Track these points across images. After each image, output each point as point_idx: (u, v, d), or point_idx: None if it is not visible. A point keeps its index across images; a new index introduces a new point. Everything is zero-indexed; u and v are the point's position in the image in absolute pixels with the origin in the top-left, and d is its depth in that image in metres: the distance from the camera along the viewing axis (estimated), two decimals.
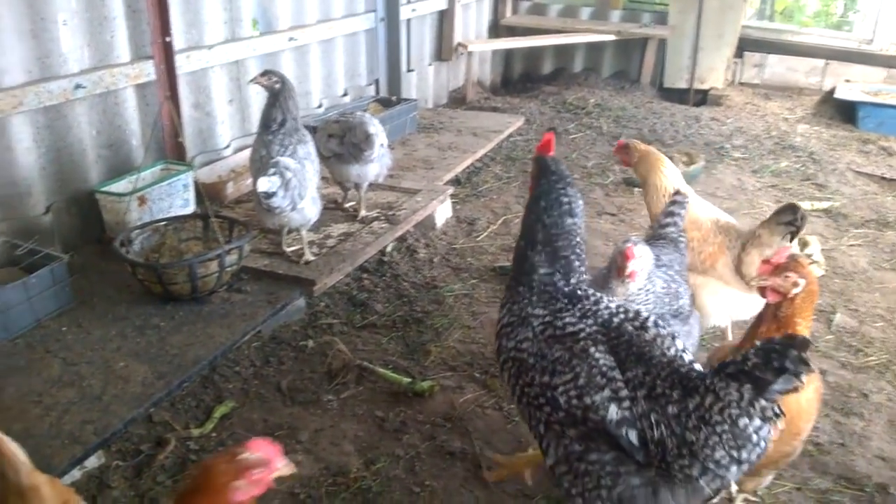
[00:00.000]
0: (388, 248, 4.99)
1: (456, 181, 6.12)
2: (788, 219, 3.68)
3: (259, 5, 5.55)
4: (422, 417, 3.57)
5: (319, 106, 6.39)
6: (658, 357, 2.40)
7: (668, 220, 3.67)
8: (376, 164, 4.79)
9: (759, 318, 2.68)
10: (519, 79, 9.98)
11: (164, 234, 4.17)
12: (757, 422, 2.18)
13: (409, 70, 7.75)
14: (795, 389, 2.13)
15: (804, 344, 2.11)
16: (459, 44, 8.38)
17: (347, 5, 6.63)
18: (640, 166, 4.24)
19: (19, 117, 4.07)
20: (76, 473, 2.96)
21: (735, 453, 2.21)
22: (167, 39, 4.59)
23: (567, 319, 2.55)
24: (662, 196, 4.09)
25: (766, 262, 2.65)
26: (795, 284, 2.59)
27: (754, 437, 2.19)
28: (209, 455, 3.25)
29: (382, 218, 4.88)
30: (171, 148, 4.91)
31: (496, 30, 9.56)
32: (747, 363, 2.15)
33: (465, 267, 4.95)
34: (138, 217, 4.27)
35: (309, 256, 4.22)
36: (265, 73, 4.29)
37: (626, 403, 2.35)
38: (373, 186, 5.13)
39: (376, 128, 4.66)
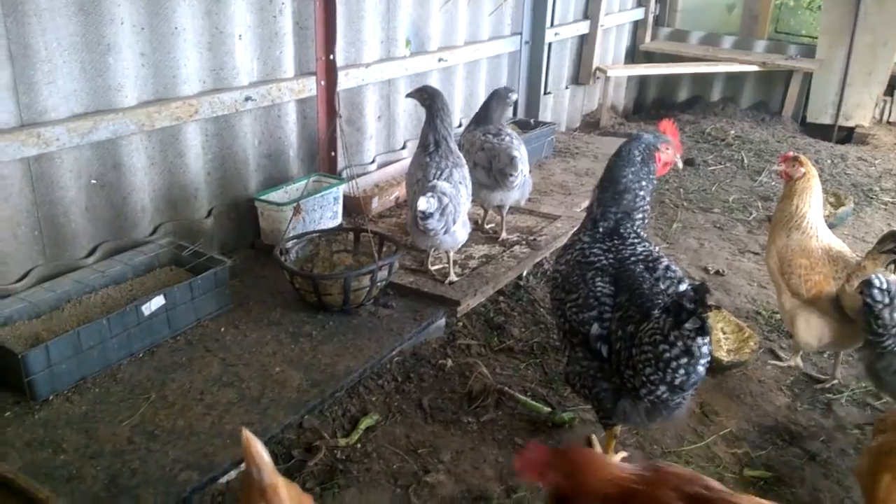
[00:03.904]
0: (524, 273, 5.00)
1: None
2: (890, 246, 3.68)
3: (413, 25, 5.69)
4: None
5: (459, 125, 6.48)
6: (644, 289, 2.94)
7: None
8: (518, 191, 4.81)
9: None
10: (652, 104, 9.83)
11: (317, 245, 4.31)
12: (675, 350, 2.66)
13: (546, 93, 7.76)
14: (703, 330, 2.59)
15: (702, 289, 2.56)
16: (598, 68, 8.34)
17: (495, 28, 6.71)
18: (797, 185, 4.08)
19: (193, 125, 4.30)
20: (233, 473, 3.08)
21: (660, 374, 2.73)
22: (331, 57, 4.76)
23: (595, 250, 3.16)
24: (791, 227, 4.05)
25: None
26: None
27: (673, 363, 2.69)
28: (355, 465, 3.34)
29: (523, 242, 4.89)
30: (323, 161, 5.09)
31: (633, 55, 9.46)
32: (675, 301, 2.65)
33: None
34: (293, 226, 4.43)
35: (453, 277, 4.27)
36: (420, 89, 4.39)
37: (606, 324, 2.96)
38: (512, 210, 5.17)
39: (520, 153, 4.68)
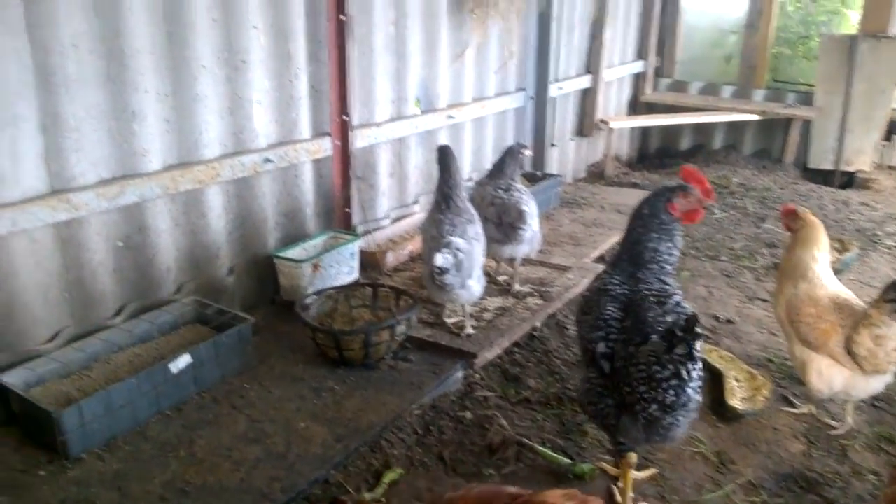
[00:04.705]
0: (538, 324, 5.08)
1: (602, 259, 6.19)
2: (892, 296, 3.74)
3: (422, 85, 5.88)
4: None
5: (469, 179, 6.63)
6: (650, 317, 3.14)
7: None
8: (527, 244, 4.93)
9: None
10: (655, 154, 10.00)
11: (336, 301, 4.42)
12: (666, 372, 2.90)
13: (552, 145, 7.94)
14: (691, 355, 2.85)
15: (693, 320, 2.84)
16: (601, 120, 8.53)
17: (500, 85, 6.92)
18: (802, 236, 4.13)
19: (215, 187, 4.45)
20: None
21: (653, 393, 2.95)
22: (345, 118, 4.92)
23: (614, 280, 3.37)
24: (797, 277, 4.08)
25: None
26: None
27: (664, 384, 2.91)
28: None
29: (536, 294, 4.99)
30: (339, 218, 5.22)
31: (635, 106, 9.67)
32: (669, 329, 2.89)
33: None
34: (310, 282, 4.53)
35: (469, 329, 4.37)
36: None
37: (611, 344, 3.18)
38: (524, 261, 5.27)
39: (530, 208, 4.81)
